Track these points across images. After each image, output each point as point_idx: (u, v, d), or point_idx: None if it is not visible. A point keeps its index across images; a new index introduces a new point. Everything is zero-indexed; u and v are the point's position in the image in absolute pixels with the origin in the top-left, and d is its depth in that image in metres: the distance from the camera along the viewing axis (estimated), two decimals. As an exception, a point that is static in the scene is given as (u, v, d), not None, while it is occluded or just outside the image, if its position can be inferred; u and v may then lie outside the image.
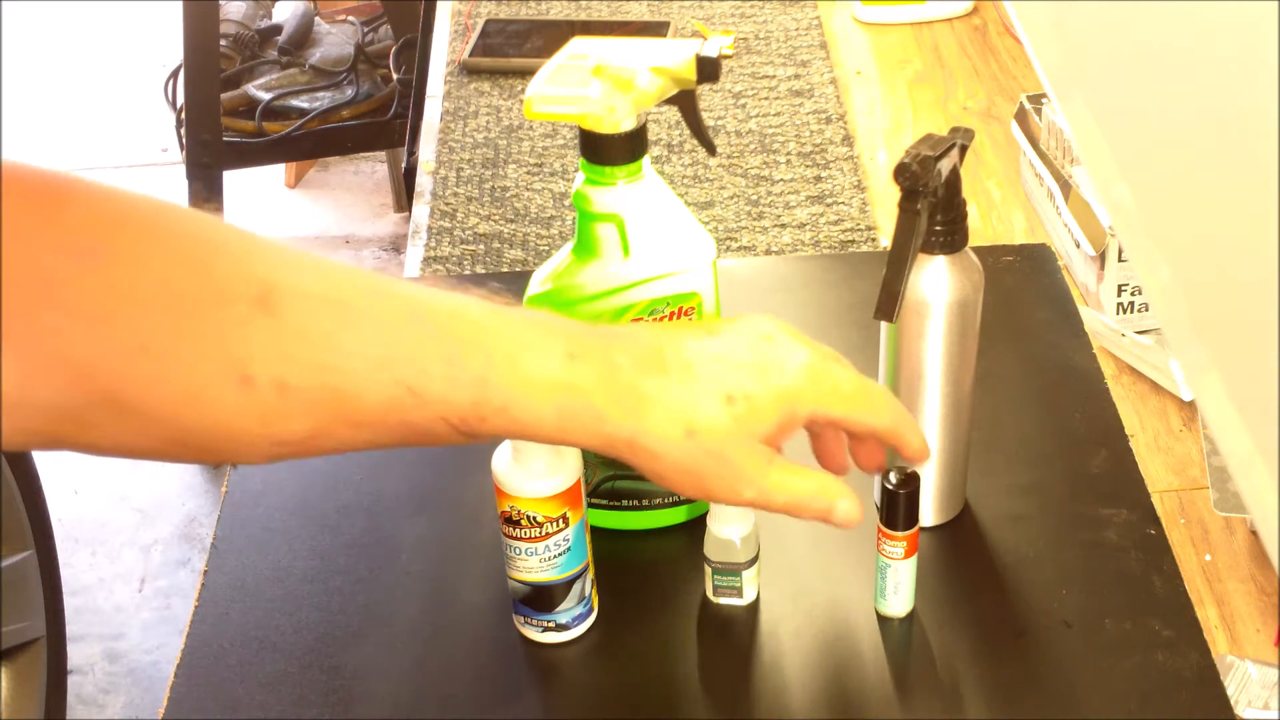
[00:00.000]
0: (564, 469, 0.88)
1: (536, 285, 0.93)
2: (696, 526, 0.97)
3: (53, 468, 2.24)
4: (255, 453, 0.63)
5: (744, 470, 0.71)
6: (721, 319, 0.78)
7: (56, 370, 0.57)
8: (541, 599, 0.92)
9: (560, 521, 0.88)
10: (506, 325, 0.67)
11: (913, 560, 0.91)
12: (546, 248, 1.47)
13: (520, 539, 0.89)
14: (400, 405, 0.63)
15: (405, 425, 0.64)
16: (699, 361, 0.71)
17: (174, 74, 2.64)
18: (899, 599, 0.93)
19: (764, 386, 0.71)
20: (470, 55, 1.79)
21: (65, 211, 0.58)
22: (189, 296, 0.59)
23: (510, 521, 0.89)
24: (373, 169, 3.23)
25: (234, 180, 2.62)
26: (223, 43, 2.54)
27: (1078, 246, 1.42)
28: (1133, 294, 1.37)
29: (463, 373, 0.64)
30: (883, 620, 0.94)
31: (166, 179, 3.15)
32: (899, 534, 0.89)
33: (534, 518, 0.88)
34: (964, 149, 0.88)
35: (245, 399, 0.60)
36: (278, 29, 2.71)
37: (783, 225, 1.48)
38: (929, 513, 0.99)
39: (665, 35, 1.85)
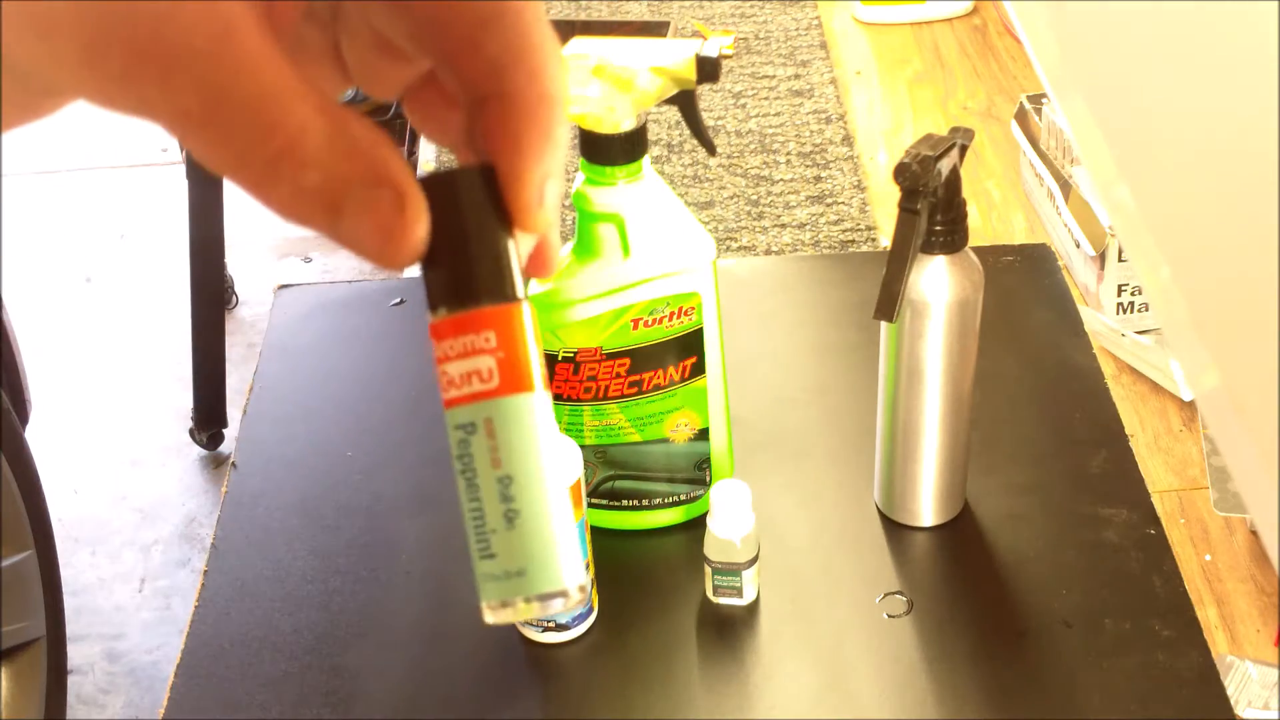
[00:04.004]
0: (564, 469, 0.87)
1: (536, 285, 0.93)
2: (696, 526, 0.97)
3: (53, 468, 2.24)
4: None
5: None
6: None
7: None
8: (541, 599, 0.92)
9: (560, 521, 0.88)
10: None
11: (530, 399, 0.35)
12: (546, 248, 1.47)
13: (520, 539, 0.89)
14: None
15: None
16: None
17: (174, 74, 2.64)
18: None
19: None
20: (470, 55, 1.79)
21: None
22: None
23: (510, 521, 0.88)
24: (373, 169, 3.23)
25: (234, 180, 2.62)
26: (222, 43, 2.55)
27: (1078, 246, 1.41)
28: (1133, 294, 1.37)
29: None
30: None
31: (166, 179, 3.14)
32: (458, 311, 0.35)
33: (534, 518, 0.88)
34: (964, 149, 0.88)
35: None
36: (277, 29, 2.71)
37: (783, 225, 1.48)
38: (929, 513, 0.99)
39: (665, 35, 1.85)
